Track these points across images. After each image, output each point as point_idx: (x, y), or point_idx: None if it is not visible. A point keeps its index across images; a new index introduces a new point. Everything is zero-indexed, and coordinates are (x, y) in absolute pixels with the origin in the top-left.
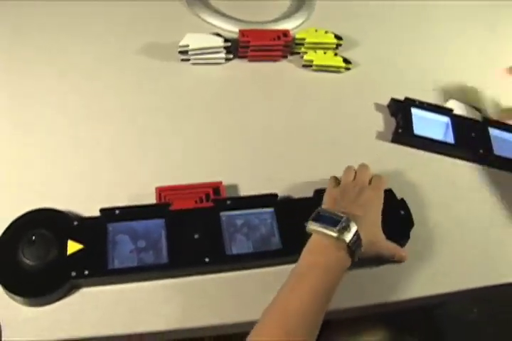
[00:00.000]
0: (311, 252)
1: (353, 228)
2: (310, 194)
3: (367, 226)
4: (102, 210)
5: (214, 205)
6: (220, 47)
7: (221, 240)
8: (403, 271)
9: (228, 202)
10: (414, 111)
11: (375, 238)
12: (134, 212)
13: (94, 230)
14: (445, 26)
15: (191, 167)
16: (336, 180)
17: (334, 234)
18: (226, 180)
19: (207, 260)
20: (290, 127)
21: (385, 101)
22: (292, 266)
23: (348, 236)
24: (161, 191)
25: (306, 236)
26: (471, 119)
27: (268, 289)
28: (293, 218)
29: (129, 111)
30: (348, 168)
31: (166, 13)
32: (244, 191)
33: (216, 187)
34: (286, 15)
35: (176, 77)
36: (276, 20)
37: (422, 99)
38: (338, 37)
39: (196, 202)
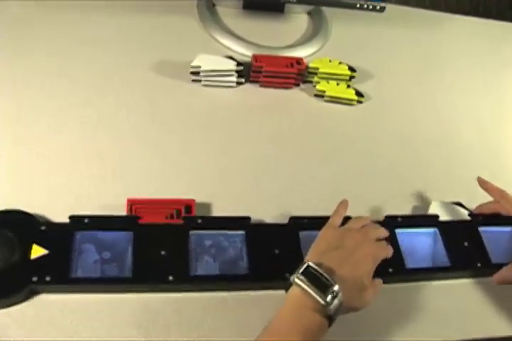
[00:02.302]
0: (293, 310)
1: (340, 298)
2: (285, 220)
3: (351, 291)
4: (71, 217)
5: (184, 223)
6: (232, 70)
7: (187, 259)
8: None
9: (199, 220)
10: (398, 232)
11: (356, 303)
12: (102, 222)
13: (60, 236)
14: (463, 62)
15: (170, 182)
16: (340, 219)
17: (322, 302)
18: (201, 199)
19: (171, 278)
20: (291, 156)
21: (394, 138)
22: (258, 292)
23: (334, 306)
24: (131, 203)
25: (274, 263)
26: (458, 222)
27: (231, 313)
28: (264, 244)
29: (125, 123)
30: (358, 218)
31: (180, 32)
32: (217, 212)
33: (188, 205)
34: (301, 43)
35: (185, 96)
36: (290, 47)
37: (436, 140)
38: (351, 69)
39: (166, 217)
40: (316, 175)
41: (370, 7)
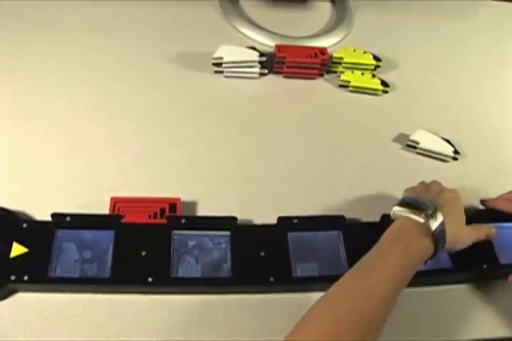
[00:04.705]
0: (394, 234)
1: (440, 217)
2: (273, 221)
3: (451, 220)
4: (53, 215)
5: (167, 222)
6: (254, 61)
7: (168, 260)
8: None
9: (183, 220)
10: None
11: (460, 231)
12: (85, 220)
13: (42, 235)
14: (491, 50)
15: (165, 180)
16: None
17: (421, 220)
18: (190, 198)
19: (150, 280)
20: (312, 150)
21: (421, 128)
22: (241, 296)
23: (434, 225)
24: (115, 201)
25: (258, 266)
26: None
27: (211, 318)
28: (250, 245)
29: (145, 115)
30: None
31: (201, 23)
32: (207, 211)
33: (173, 204)
34: (324, 32)
35: (207, 88)
36: (313, 36)
37: (464, 130)
38: (376, 58)
39: (150, 217)
40: (332, 170)
41: None
